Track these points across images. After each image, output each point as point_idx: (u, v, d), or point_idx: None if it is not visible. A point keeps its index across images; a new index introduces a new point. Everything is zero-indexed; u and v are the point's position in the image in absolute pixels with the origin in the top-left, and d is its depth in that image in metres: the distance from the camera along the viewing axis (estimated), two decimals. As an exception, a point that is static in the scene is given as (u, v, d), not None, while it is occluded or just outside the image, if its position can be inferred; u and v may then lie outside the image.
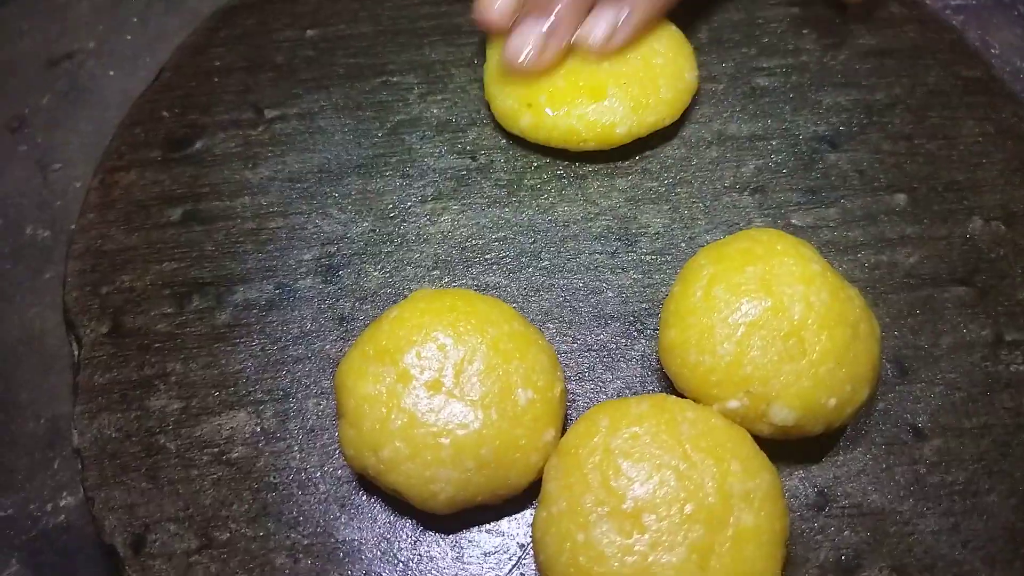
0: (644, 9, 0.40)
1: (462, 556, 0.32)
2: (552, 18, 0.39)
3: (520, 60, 0.38)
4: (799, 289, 0.31)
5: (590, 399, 0.35)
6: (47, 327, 0.42)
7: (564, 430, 0.33)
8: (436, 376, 0.31)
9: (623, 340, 0.36)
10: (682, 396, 0.33)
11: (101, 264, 0.39)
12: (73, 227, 0.41)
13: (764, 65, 0.43)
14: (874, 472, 0.33)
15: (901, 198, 0.39)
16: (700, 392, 0.32)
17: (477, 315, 0.32)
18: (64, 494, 0.39)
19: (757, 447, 0.30)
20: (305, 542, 0.32)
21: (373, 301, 0.37)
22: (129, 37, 0.52)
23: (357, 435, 0.31)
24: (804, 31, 0.44)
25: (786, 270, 0.32)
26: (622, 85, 0.39)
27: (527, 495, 0.32)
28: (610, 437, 0.29)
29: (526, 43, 0.38)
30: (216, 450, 0.34)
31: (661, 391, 0.35)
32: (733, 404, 0.31)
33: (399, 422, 0.30)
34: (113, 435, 0.35)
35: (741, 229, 0.39)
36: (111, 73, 0.51)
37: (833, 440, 0.34)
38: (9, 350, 0.42)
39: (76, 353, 0.37)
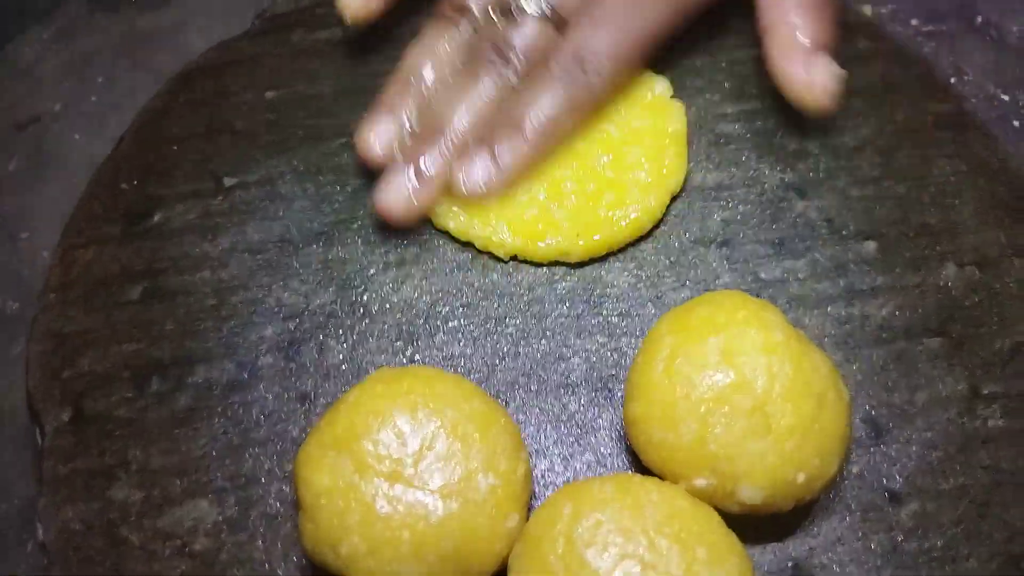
0: (530, 153, 0.38)
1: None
2: (422, 162, 0.38)
3: (390, 212, 0.38)
4: (762, 361, 0.30)
5: (558, 473, 0.34)
6: (17, 402, 0.42)
7: (531, 509, 0.32)
8: (394, 466, 0.30)
9: (590, 409, 0.35)
10: (649, 471, 0.32)
11: (62, 347, 0.38)
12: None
13: (728, 111, 0.42)
14: (850, 541, 0.32)
15: (871, 246, 0.39)
16: (666, 469, 0.31)
17: (436, 397, 0.31)
18: (38, 576, 0.38)
19: (726, 528, 0.30)
20: (270, 637, 0.32)
21: (335, 378, 0.37)
22: (94, 98, 0.52)
23: (315, 529, 0.30)
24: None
25: (748, 340, 0.31)
26: (577, 226, 0.38)
27: (494, 582, 0.31)
28: (573, 525, 0.29)
29: (395, 195, 0.38)
30: (179, 542, 0.33)
31: (629, 465, 0.34)
32: (700, 482, 0.30)
33: (357, 516, 0.29)
34: (77, 527, 0.34)
35: (708, 286, 0.38)
36: (77, 137, 0.50)
37: (807, 508, 0.33)
38: (-21, 428, 0.42)
39: (40, 441, 0.37)
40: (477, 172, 0.38)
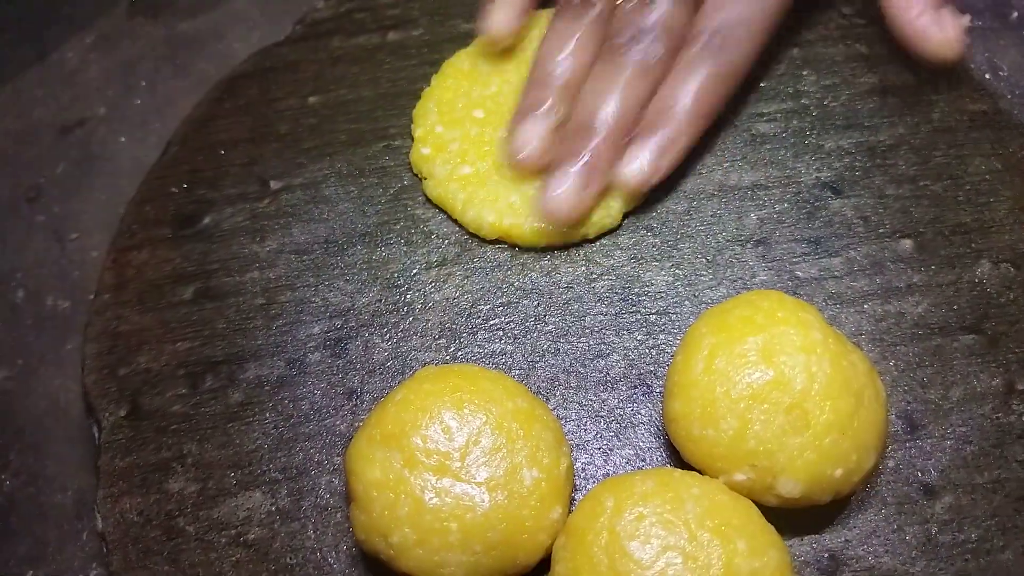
0: (688, 134, 0.38)
1: (477, 633, 0.32)
2: (587, 158, 0.37)
3: (562, 215, 0.37)
4: (800, 359, 0.31)
5: (598, 468, 0.35)
6: (71, 398, 0.43)
7: (572, 502, 0.33)
8: (442, 460, 0.31)
9: (630, 405, 0.36)
10: (688, 465, 0.33)
11: (117, 346, 0.39)
12: (92, 297, 0.42)
13: (764, 110, 0.43)
14: (885, 533, 0.33)
15: (907, 244, 0.39)
16: (705, 464, 0.32)
17: (481, 394, 0.33)
18: (94, 564, 0.40)
19: (765, 522, 0.30)
20: (323, 624, 0.33)
21: (381, 374, 0.38)
22: (138, 102, 0.53)
23: (367, 520, 0.31)
24: (804, 72, 0.43)
25: (787, 339, 0.31)
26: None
27: (537, 572, 0.32)
28: (615, 518, 0.30)
29: (563, 190, 0.37)
30: (234, 532, 0.35)
31: (668, 459, 0.35)
32: (739, 477, 0.31)
33: (407, 508, 0.31)
34: (135, 519, 0.36)
35: (745, 285, 0.38)
36: (122, 140, 0.52)
37: (843, 500, 0.34)
38: (35, 422, 0.43)
39: (97, 436, 0.38)
40: (639, 162, 0.38)
